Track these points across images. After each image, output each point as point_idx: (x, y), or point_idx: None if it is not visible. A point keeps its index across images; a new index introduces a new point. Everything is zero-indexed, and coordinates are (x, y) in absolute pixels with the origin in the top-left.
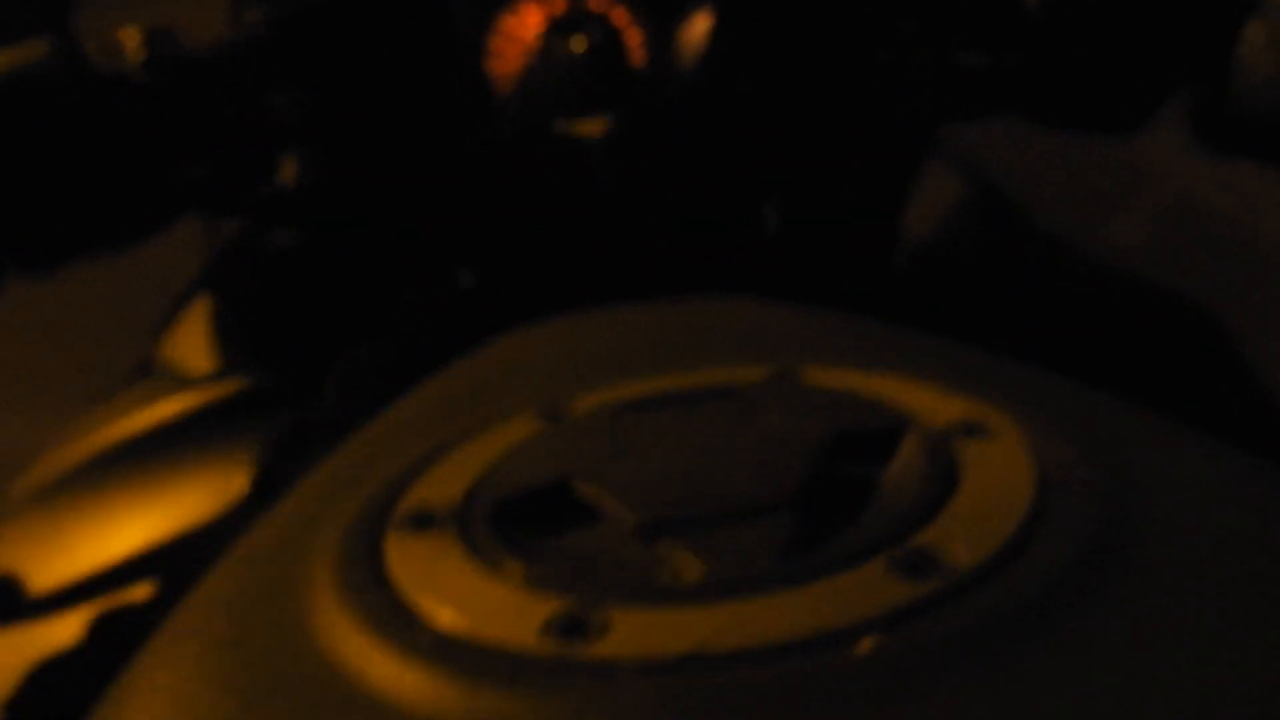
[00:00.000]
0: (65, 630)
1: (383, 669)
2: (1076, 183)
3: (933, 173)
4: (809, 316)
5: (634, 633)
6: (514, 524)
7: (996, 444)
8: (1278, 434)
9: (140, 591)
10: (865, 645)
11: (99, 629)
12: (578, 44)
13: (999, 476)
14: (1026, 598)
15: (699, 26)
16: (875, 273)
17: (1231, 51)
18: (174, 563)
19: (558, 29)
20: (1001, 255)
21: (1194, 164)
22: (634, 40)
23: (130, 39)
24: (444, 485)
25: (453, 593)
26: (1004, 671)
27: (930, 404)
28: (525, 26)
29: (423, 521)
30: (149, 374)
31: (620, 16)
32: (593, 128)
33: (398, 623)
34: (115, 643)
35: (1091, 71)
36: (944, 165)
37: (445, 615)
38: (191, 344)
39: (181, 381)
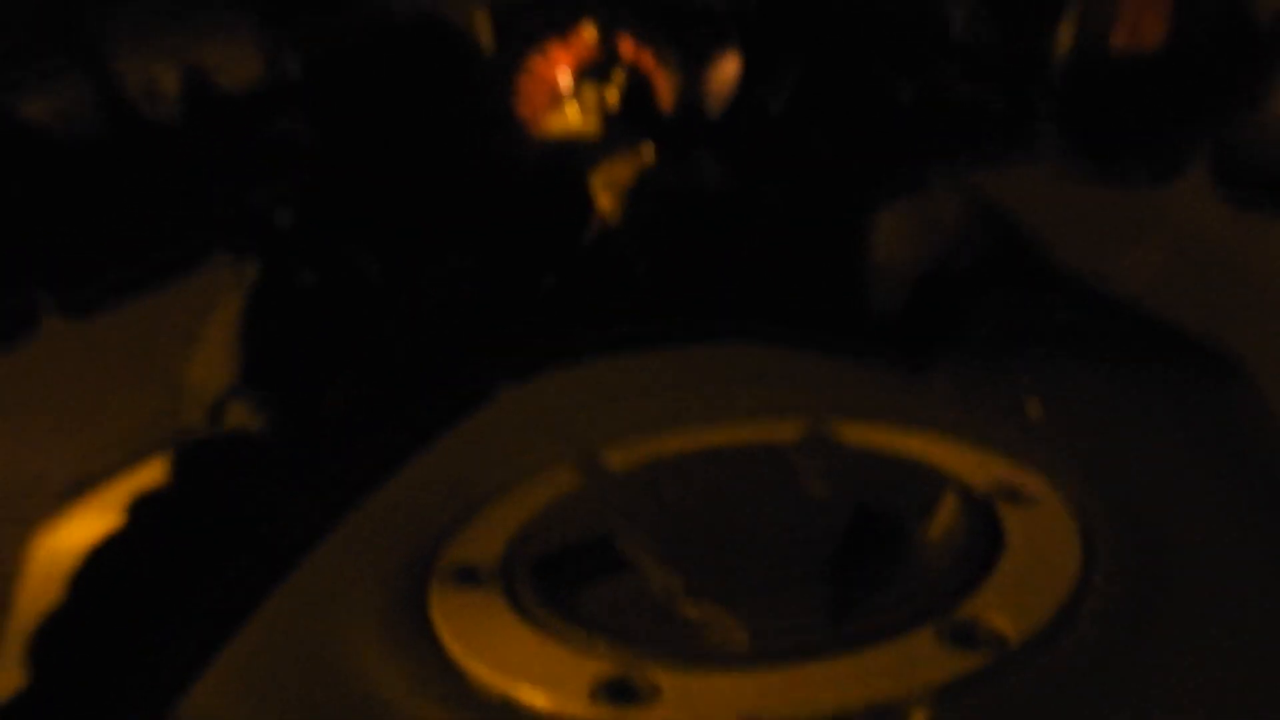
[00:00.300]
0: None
1: None
2: (1094, 227)
3: (954, 213)
4: (836, 366)
5: (684, 698)
6: (558, 581)
7: (1038, 510)
8: None
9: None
10: (917, 717)
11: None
12: (610, 94)
13: (1042, 544)
14: (1075, 671)
15: (727, 70)
16: (891, 313)
17: (1251, 102)
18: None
19: (589, 73)
20: (1021, 297)
21: (1212, 212)
22: (662, 84)
23: (166, 78)
24: (485, 539)
25: (500, 652)
26: None
27: (968, 465)
28: (553, 67)
29: (466, 576)
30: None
31: (648, 60)
32: (621, 171)
33: (447, 683)
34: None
35: (1116, 127)
36: (964, 206)
37: (495, 677)
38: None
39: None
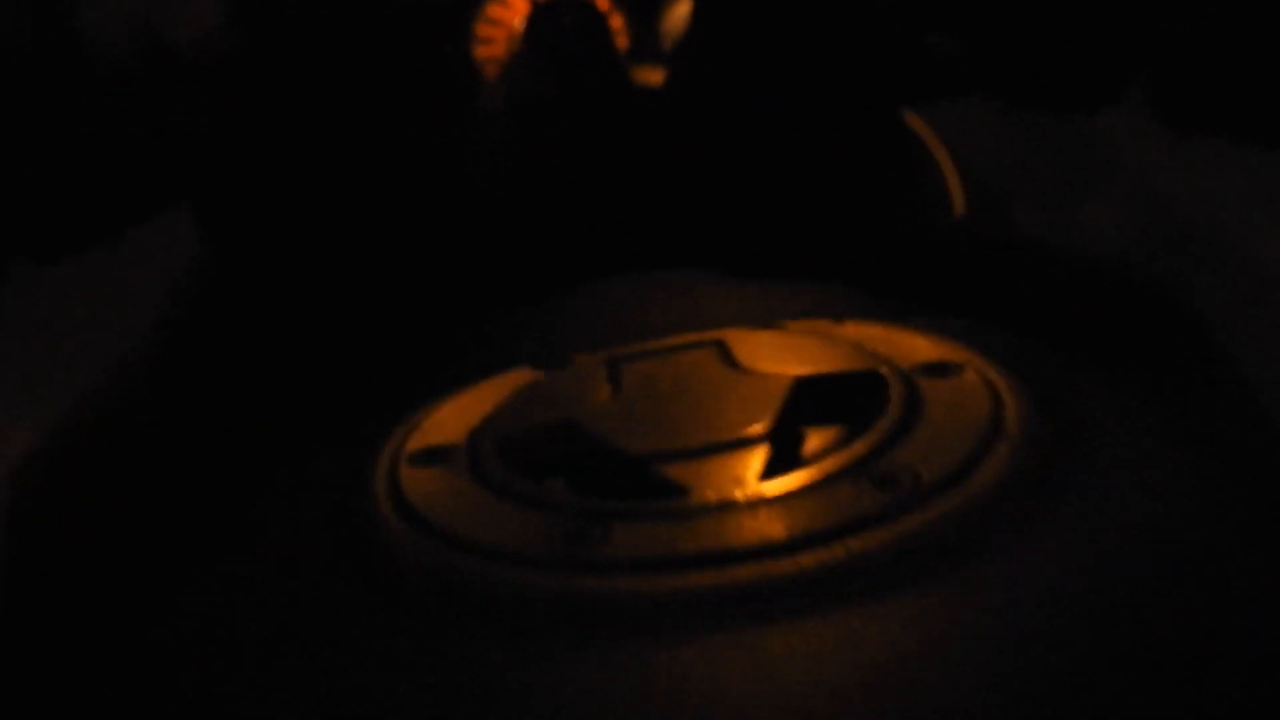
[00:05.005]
0: None
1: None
2: (1040, 161)
3: (903, 152)
4: (786, 285)
5: (629, 541)
6: (517, 458)
7: (958, 382)
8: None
9: None
10: (840, 546)
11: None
12: (564, 27)
13: (958, 410)
14: (980, 505)
15: (680, 10)
16: (844, 251)
17: (1192, 29)
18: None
19: (543, 14)
20: (968, 233)
21: (1155, 141)
22: (617, 24)
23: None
24: (449, 426)
25: (464, 512)
26: (962, 569)
27: (898, 349)
28: (512, 12)
29: (432, 457)
30: None
31: (603, 2)
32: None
33: (413, 536)
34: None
35: (1055, 50)
36: (913, 144)
37: (458, 528)
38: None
39: None
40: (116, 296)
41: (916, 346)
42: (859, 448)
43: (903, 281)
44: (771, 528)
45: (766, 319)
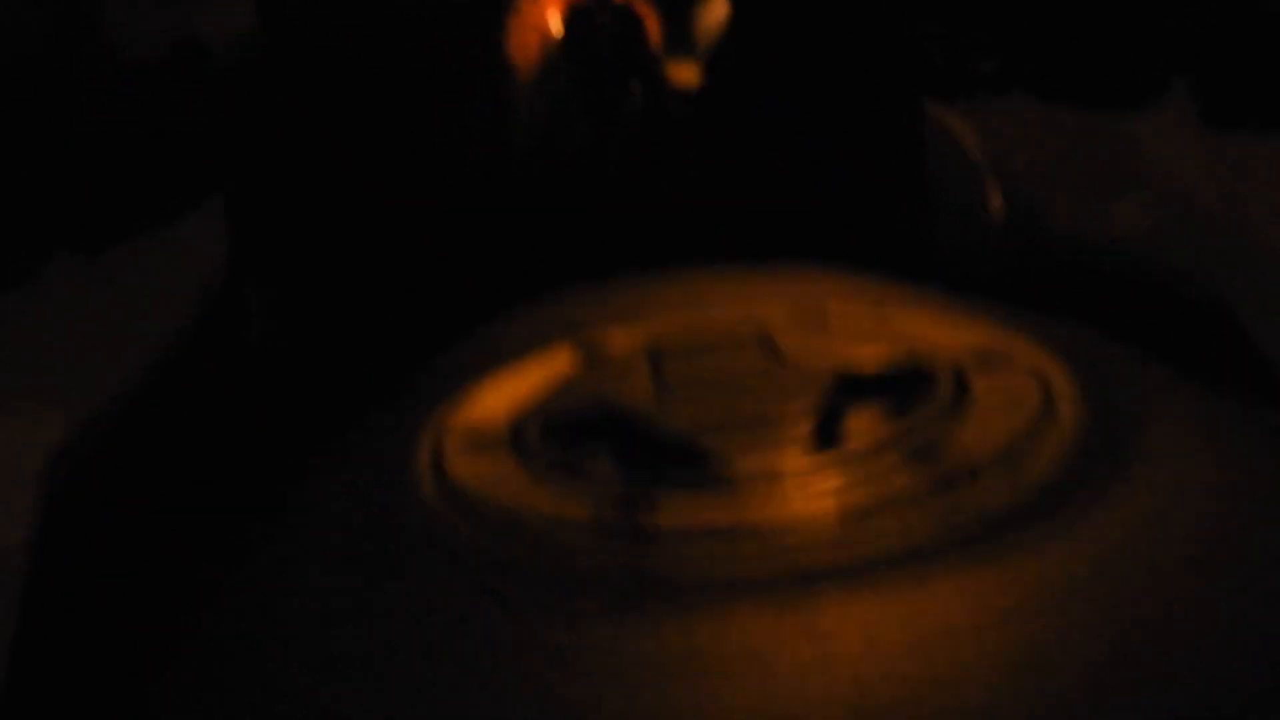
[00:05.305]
0: None
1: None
2: (1079, 159)
3: (943, 149)
4: (825, 272)
5: (678, 510)
6: (563, 444)
7: (1003, 369)
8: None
9: None
10: (879, 521)
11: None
12: (599, 29)
13: (1006, 397)
14: (1032, 487)
15: (717, 12)
16: (886, 245)
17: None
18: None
19: (578, 16)
20: (1007, 230)
21: (1186, 139)
22: (652, 24)
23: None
24: (493, 413)
25: (516, 494)
26: (1010, 550)
27: (943, 335)
28: (545, 13)
29: (480, 444)
30: None
31: (639, 3)
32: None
33: (470, 522)
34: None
35: (1096, 51)
36: (954, 142)
37: (512, 509)
38: None
39: None
40: (151, 291)
41: (962, 335)
42: (905, 427)
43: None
44: (819, 502)
45: (809, 304)
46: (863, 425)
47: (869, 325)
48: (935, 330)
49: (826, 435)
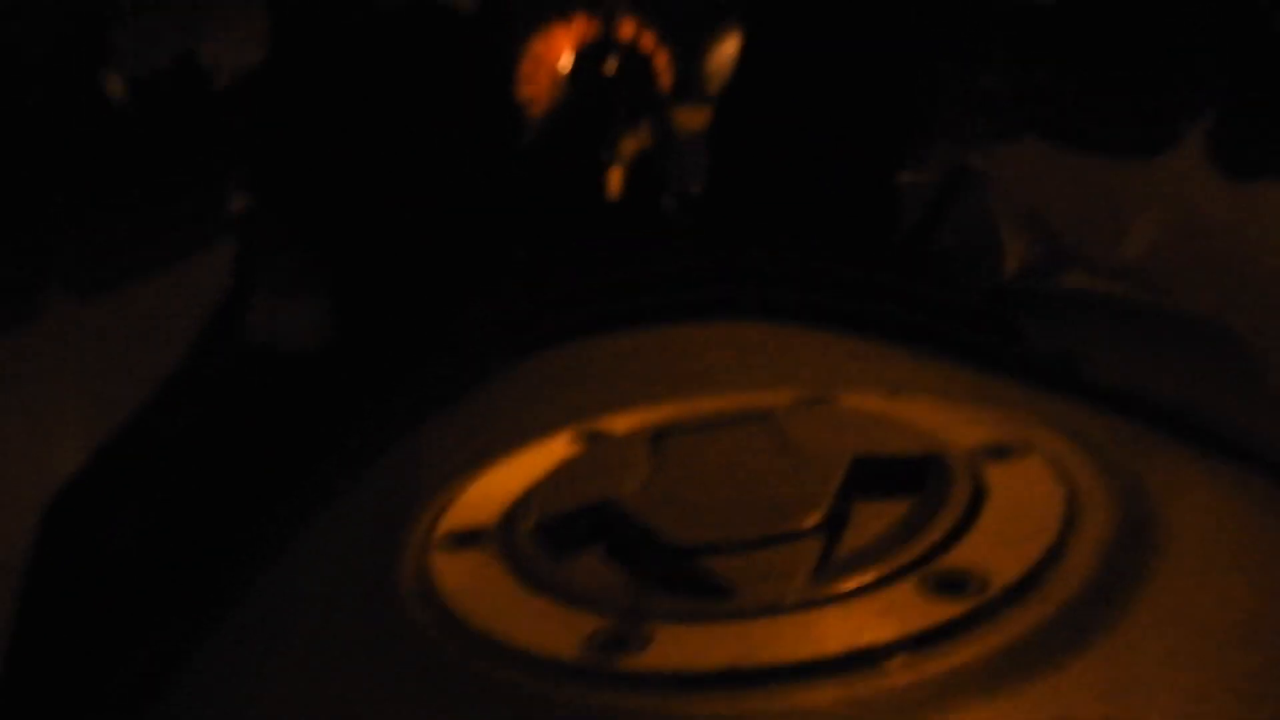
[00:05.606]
0: None
1: (433, 678)
2: (1093, 201)
3: (956, 192)
4: (832, 340)
5: (673, 647)
6: (555, 543)
7: (1022, 465)
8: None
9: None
10: (898, 663)
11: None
12: (608, 67)
13: (1026, 499)
14: (1061, 614)
15: (728, 50)
16: (893, 288)
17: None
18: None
19: (588, 54)
20: (1018, 272)
21: (1208, 183)
22: (661, 63)
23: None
24: (485, 504)
25: (498, 607)
26: (1038, 686)
27: (958, 428)
28: (555, 51)
29: (466, 540)
30: None
31: (648, 41)
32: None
33: (447, 633)
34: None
35: (1114, 93)
36: (967, 185)
37: (493, 627)
38: None
39: None
40: (158, 325)
41: (978, 425)
42: (920, 545)
43: (952, 327)
44: (827, 640)
45: (815, 383)
46: (875, 534)
47: (879, 411)
48: (949, 417)
49: (836, 553)
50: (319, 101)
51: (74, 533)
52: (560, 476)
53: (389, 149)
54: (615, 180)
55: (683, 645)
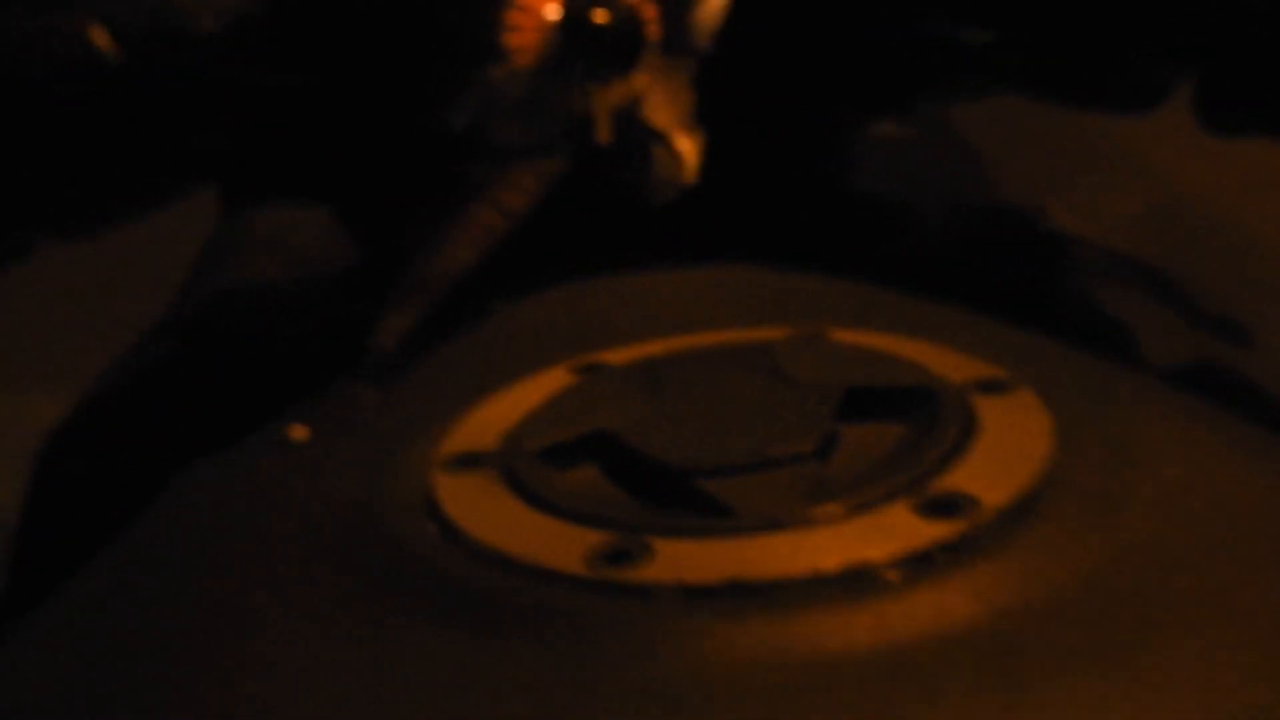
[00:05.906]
0: None
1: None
2: (1070, 161)
3: (930, 147)
4: (825, 283)
5: (674, 561)
6: (555, 465)
7: (1012, 398)
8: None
9: None
10: (889, 577)
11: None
12: (599, 16)
13: (1016, 427)
14: (1046, 540)
15: (713, 3)
16: (870, 242)
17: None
18: None
19: (578, 2)
20: (995, 230)
21: (1191, 144)
22: (650, 14)
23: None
24: (484, 430)
25: (501, 523)
26: (1030, 606)
27: (950, 363)
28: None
29: (467, 461)
30: None
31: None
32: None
33: (449, 547)
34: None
35: (1096, 49)
36: (942, 140)
37: (496, 541)
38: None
39: None
40: (139, 274)
41: (969, 361)
42: (914, 469)
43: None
44: (824, 557)
45: (810, 321)
46: (870, 458)
47: (870, 346)
48: (943, 354)
49: (828, 476)
50: (303, 47)
51: (66, 479)
52: (559, 405)
53: (376, 95)
54: (604, 129)
55: (684, 560)
